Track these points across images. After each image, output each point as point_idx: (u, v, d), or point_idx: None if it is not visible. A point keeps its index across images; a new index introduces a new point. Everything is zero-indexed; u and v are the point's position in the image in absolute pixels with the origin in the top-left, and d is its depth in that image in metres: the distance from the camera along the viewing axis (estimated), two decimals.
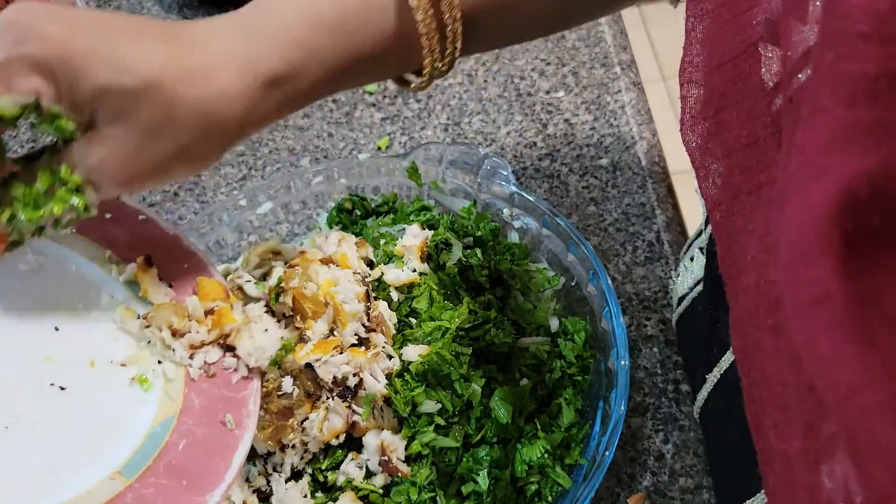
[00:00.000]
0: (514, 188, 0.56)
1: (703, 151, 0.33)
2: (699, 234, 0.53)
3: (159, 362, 0.43)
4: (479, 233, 0.54)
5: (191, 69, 0.36)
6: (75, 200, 0.37)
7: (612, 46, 0.78)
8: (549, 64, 0.78)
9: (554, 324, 0.51)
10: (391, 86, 0.78)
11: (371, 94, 0.78)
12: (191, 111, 0.37)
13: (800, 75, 0.25)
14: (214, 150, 0.39)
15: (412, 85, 0.45)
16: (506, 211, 0.56)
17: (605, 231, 0.63)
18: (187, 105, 0.36)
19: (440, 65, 0.43)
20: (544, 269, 0.55)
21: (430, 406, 0.44)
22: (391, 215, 0.58)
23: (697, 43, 0.34)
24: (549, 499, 0.44)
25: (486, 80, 0.77)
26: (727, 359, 0.41)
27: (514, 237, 0.57)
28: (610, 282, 0.50)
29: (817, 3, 0.24)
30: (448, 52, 0.42)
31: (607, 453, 0.43)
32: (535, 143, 0.71)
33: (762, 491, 0.38)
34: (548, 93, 0.75)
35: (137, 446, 0.39)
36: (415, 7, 0.39)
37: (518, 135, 0.72)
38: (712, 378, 0.44)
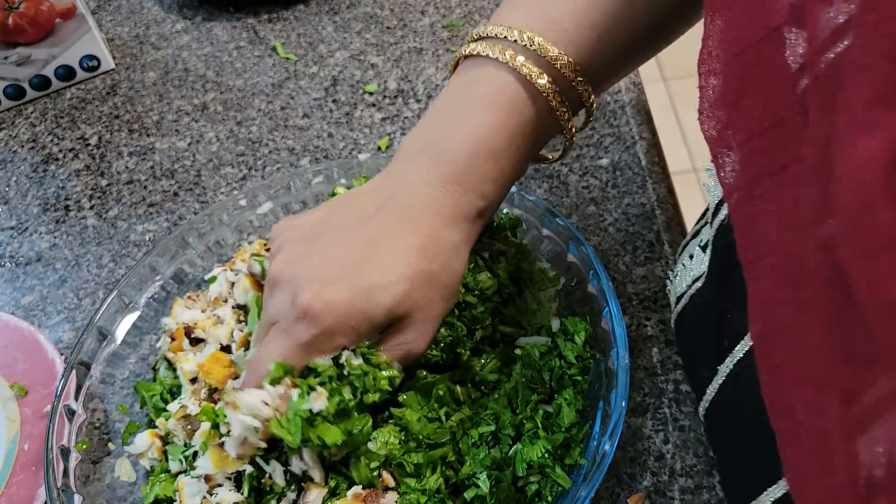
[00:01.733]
0: (514, 188, 0.56)
1: (721, 140, 0.34)
2: (696, 234, 0.53)
3: None
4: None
5: (425, 248, 0.43)
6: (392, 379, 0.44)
7: None
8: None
9: (555, 324, 0.51)
10: (391, 86, 0.78)
11: (371, 94, 0.78)
12: (444, 280, 0.44)
13: (828, 54, 0.26)
14: (460, 284, 0.46)
15: (551, 158, 0.52)
16: (506, 211, 0.56)
17: (605, 231, 0.63)
18: (441, 280, 0.44)
19: (577, 126, 0.49)
20: (546, 268, 0.55)
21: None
22: None
23: (716, 34, 0.35)
24: (549, 499, 0.44)
25: None
26: (741, 348, 0.41)
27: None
28: (610, 282, 0.50)
29: None
30: (587, 107, 0.48)
31: (607, 453, 0.43)
32: None
33: (783, 479, 0.38)
34: None
35: None
36: (544, 91, 0.44)
37: None
38: (724, 369, 0.44)
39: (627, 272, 0.61)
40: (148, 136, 0.77)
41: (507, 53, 0.44)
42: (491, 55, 0.44)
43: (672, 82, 2.15)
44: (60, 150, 0.77)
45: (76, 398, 0.51)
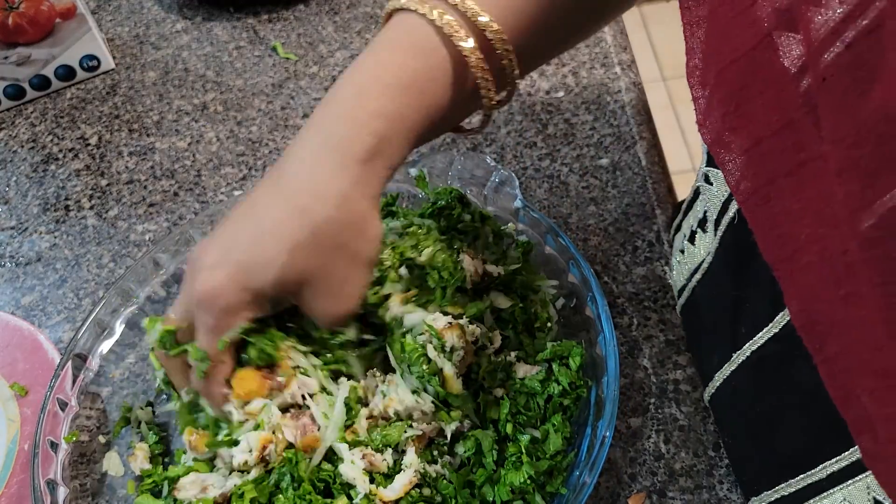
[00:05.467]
0: (520, 203, 0.55)
1: (726, 146, 0.34)
2: (678, 229, 0.53)
3: None
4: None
5: (306, 207, 0.41)
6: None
7: (612, 46, 0.78)
8: (549, 64, 0.78)
9: (550, 348, 0.50)
10: None
11: None
12: (335, 237, 0.42)
13: (828, 53, 0.26)
14: (373, 242, 0.44)
15: (468, 130, 0.49)
16: (510, 225, 0.56)
17: (605, 231, 0.63)
18: (331, 237, 0.42)
19: (501, 97, 0.46)
20: (550, 286, 0.54)
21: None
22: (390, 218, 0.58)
23: (700, 48, 0.35)
24: None
25: None
26: (762, 335, 0.41)
27: (516, 252, 0.56)
28: (607, 307, 0.49)
29: None
30: (509, 84, 0.46)
31: (587, 485, 0.43)
32: (535, 143, 0.71)
33: (806, 472, 0.38)
34: (548, 93, 0.75)
35: None
36: (467, 55, 0.42)
37: (518, 135, 0.72)
38: (739, 356, 0.44)
39: (627, 272, 0.61)
40: (148, 136, 0.77)
41: (434, 11, 0.42)
42: (420, 10, 0.42)
43: (672, 82, 2.15)
44: (60, 150, 0.77)
45: (71, 391, 0.51)
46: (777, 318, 0.39)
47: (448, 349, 0.45)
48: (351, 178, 0.42)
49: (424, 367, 0.45)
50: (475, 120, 0.50)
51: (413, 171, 0.58)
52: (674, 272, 0.54)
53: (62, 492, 0.47)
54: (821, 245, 0.28)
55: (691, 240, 0.50)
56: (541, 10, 0.44)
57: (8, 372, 0.59)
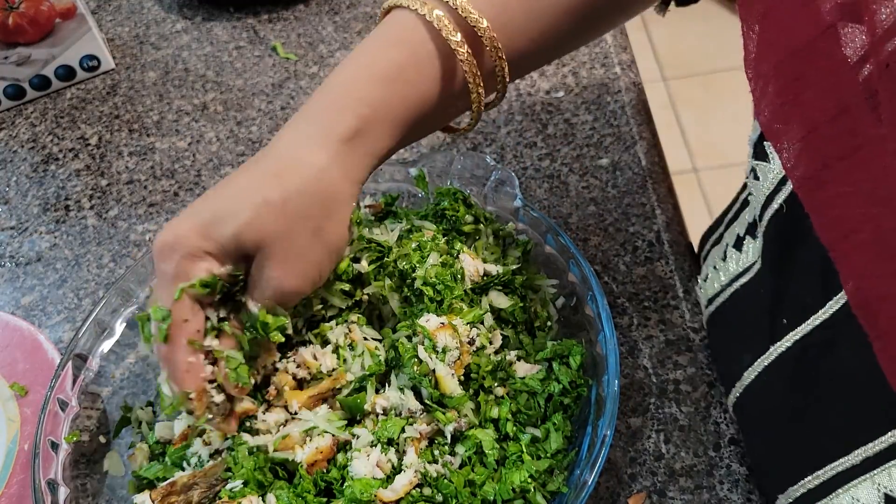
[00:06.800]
0: (520, 202, 0.55)
1: (782, 134, 0.35)
2: (720, 239, 0.53)
3: None
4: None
5: (281, 173, 0.42)
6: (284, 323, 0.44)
7: (612, 46, 0.79)
8: (549, 64, 0.78)
9: (550, 346, 0.51)
10: None
11: None
12: (304, 208, 0.42)
13: (891, 42, 0.28)
14: (342, 225, 0.44)
15: (457, 129, 0.50)
16: (510, 225, 0.56)
17: (605, 231, 0.63)
18: (299, 208, 0.41)
19: (490, 99, 0.47)
20: (550, 286, 0.54)
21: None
22: (391, 217, 0.58)
23: (755, 42, 0.37)
24: None
25: None
26: (810, 323, 0.42)
27: (516, 252, 0.56)
28: (608, 306, 0.49)
29: None
30: (499, 86, 0.46)
31: (588, 484, 0.43)
32: (535, 143, 0.71)
33: (828, 465, 0.39)
34: (548, 93, 0.75)
35: None
36: (455, 49, 0.43)
37: (518, 135, 0.72)
38: (777, 348, 0.44)
39: (627, 272, 0.61)
40: (148, 136, 0.77)
41: (425, 7, 0.43)
42: (412, 6, 0.43)
43: (672, 82, 2.15)
44: (60, 150, 0.77)
45: (71, 391, 0.51)
46: (829, 303, 0.39)
47: (440, 349, 0.45)
48: (330, 154, 0.42)
49: (415, 368, 0.45)
50: (465, 121, 0.50)
51: (413, 171, 0.58)
52: (706, 283, 0.53)
53: (63, 492, 0.47)
54: (874, 224, 0.30)
55: (737, 246, 0.50)
56: (534, 18, 0.45)
57: (8, 372, 0.59)
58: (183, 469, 0.46)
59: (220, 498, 0.43)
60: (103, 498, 0.49)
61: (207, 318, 0.44)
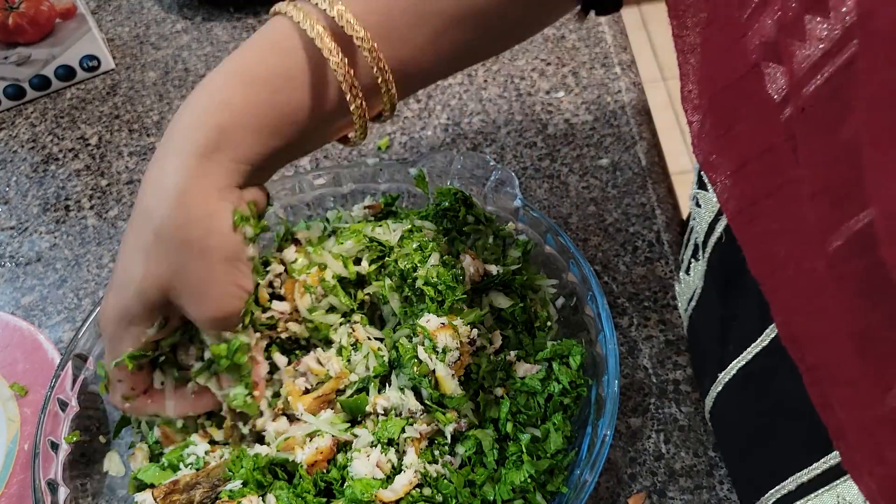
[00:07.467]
0: (520, 202, 0.55)
1: (716, 168, 0.35)
2: (696, 249, 0.54)
3: None
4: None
5: (148, 209, 0.42)
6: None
7: (612, 46, 0.79)
8: (549, 64, 0.78)
9: (550, 346, 0.51)
10: None
11: None
12: (174, 233, 0.41)
13: (808, 87, 0.28)
14: (227, 237, 0.42)
15: (350, 140, 0.48)
16: (510, 225, 0.56)
17: (605, 231, 0.63)
18: (167, 232, 0.41)
19: (383, 110, 0.45)
20: (550, 286, 0.54)
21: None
22: (392, 217, 0.58)
23: (692, 73, 0.37)
24: None
25: (486, 80, 0.77)
26: (749, 352, 0.43)
27: (516, 252, 0.56)
28: (607, 306, 0.49)
29: (817, 20, 0.27)
30: (384, 97, 0.44)
31: (587, 483, 0.43)
32: (535, 143, 0.71)
33: (791, 477, 0.40)
34: (548, 93, 0.75)
35: None
36: (328, 58, 0.41)
37: (518, 135, 0.72)
38: (724, 376, 0.45)
39: (627, 272, 0.61)
40: (148, 136, 0.77)
41: (301, 13, 0.41)
42: (288, 13, 0.42)
43: (672, 82, 2.15)
44: (60, 150, 0.77)
45: (71, 391, 0.51)
46: (766, 330, 0.40)
47: (440, 350, 0.45)
48: (188, 173, 0.41)
49: (415, 368, 0.45)
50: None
51: (413, 171, 0.58)
52: (680, 292, 0.55)
53: (63, 492, 0.47)
54: (796, 263, 0.30)
55: (686, 271, 0.51)
56: (419, 25, 0.44)
57: (8, 372, 0.59)
58: (180, 470, 0.46)
59: (220, 498, 0.44)
60: (103, 498, 0.49)
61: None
